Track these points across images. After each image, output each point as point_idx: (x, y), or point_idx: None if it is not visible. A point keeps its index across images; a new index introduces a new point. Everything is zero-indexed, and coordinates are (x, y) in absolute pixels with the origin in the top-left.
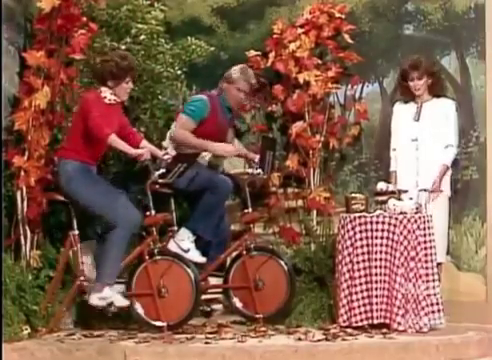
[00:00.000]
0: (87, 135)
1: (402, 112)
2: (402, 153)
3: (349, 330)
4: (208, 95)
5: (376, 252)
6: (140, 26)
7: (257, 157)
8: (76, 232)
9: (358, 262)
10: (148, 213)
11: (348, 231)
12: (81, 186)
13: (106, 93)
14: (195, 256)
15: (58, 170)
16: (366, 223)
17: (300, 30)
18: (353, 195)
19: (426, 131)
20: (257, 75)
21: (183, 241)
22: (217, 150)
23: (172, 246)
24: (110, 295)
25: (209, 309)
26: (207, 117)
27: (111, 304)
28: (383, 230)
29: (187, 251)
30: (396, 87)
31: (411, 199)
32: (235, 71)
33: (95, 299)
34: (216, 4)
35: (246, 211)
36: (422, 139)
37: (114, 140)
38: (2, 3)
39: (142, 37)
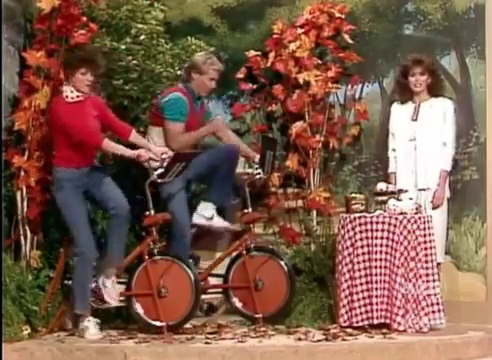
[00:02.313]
0: (69, 142)
1: (400, 112)
2: (400, 153)
3: (349, 330)
4: (180, 90)
5: (376, 252)
6: (140, 26)
7: (257, 157)
8: None
9: (358, 262)
10: (148, 213)
11: (348, 231)
12: (64, 201)
13: (67, 92)
14: (220, 222)
15: (52, 177)
16: (366, 223)
17: (300, 30)
18: (353, 195)
19: (424, 131)
20: (257, 75)
21: (206, 209)
22: (209, 130)
23: (196, 219)
24: (86, 326)
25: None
26: (188, 111)
27: None
28: (383, 230)
29: (211, 218)
30: (394, 87)
31: (411, 199)
32: (202, 61)
33: (80, 331)
34: (216, 4)
35: (246, 211)
36: (420, 139)
37: (108, 144)
38: (2, 3)
39: (142, 37)
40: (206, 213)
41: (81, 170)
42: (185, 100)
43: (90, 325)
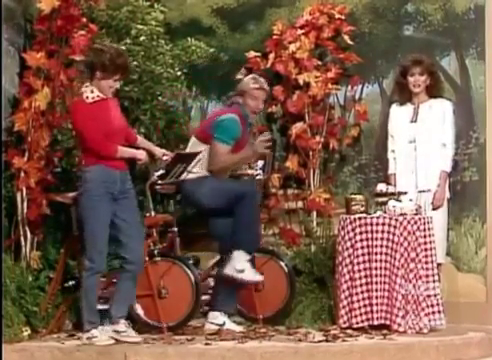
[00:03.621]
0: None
1: (399, 114)
2: (400, 154)
3: (349, 331)
4: (237, 112)
5: (376, 253)
6: (140, 27)
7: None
8: (76, 233)
9: (358, 263)
10: (148, 214)
11: (348, 232)
12: (88, 205)
13: (87, 92)
14: (251, 275)
15: (80, 178)
16: (366, 224)
17: (300, 31)
18: (353, 196)
19: (424, 132)
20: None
21: (239, 261)
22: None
23: (227, 269)
24: (96, 335)
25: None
26: (240, 136)
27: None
28: (383, 231)
29: (242, 271)
30: (393, 88)
31: (411, 200)
32: (245, 82)
33: (84, 339)
34: (216, 5)
35: None
36: (420, 140)
37: (122, 151)
38: (2, 3)
39: (142, 38)
40: (238, 265)
41: (114, 172)
42: (239, 125)
43: (97, 333)
